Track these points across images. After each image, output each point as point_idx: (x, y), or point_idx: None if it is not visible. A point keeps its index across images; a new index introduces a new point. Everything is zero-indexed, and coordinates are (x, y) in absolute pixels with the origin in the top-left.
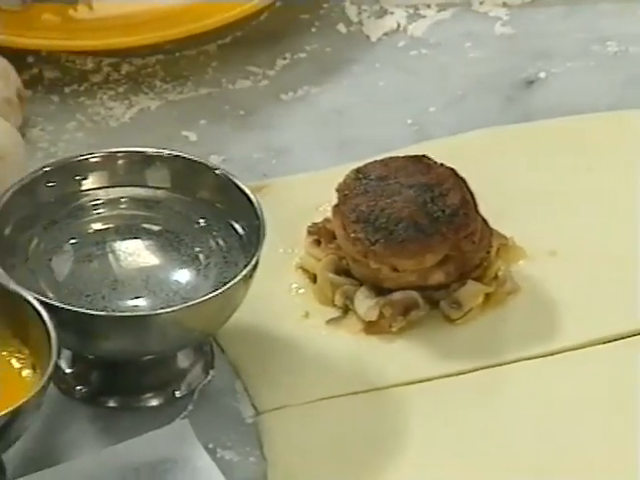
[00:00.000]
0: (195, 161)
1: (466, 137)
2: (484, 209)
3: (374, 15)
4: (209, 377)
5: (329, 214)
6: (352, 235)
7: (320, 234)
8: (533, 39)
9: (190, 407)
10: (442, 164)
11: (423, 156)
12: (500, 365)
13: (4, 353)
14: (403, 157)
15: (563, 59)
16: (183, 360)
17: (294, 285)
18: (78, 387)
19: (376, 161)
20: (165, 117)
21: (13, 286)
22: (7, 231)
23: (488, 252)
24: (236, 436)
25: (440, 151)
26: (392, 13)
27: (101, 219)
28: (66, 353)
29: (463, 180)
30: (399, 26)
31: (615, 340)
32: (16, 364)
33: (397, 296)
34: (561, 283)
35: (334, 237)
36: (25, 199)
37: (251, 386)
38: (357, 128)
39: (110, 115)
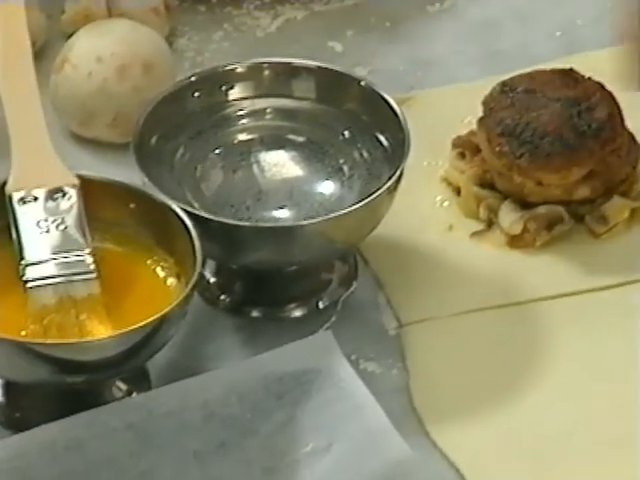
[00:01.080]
0: (341, 72)
1: (614, 50)
2: (631, 123)
3: None
4: (352, 289)
5: (474, 127)
6: (497, 148)
7: (465, 147)
8: None
9: (333, 318)
10: (589, 78)
11: (570, 69)
12: None
13: (149, 262)
14: (550, 70)
15: None
16: (327, 271)
17: (438, 198)
18: (222, 297)
19: (523, 74)
20: (311, 28)
21: (159, 195)
22: (153, 140)
23: (634, 167)
24: (379, 348)
25: (588, 64)
26: None
27: (246, 129)
28: (210, 263)
29: (610, 94)
30: None
31: None
32: (161, 273)
33: (542, 210)
34: None
35: (479, 150)
36: (171, 109)
37: (394, 298)
38: (504, 40)
39: (256, 25)
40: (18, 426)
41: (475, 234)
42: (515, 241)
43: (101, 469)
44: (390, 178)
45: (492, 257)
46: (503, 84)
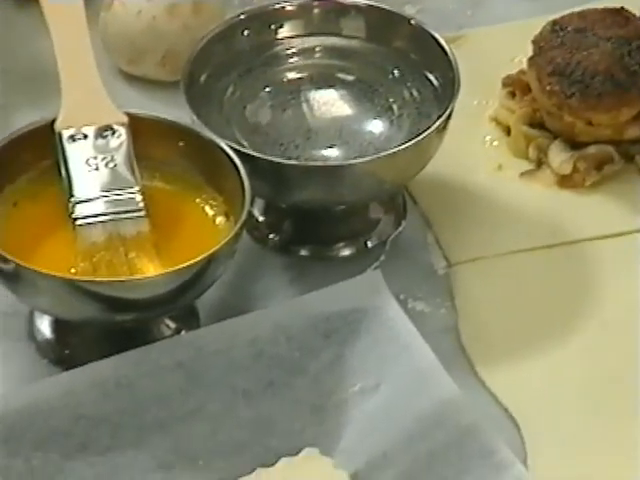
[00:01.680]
0: (390, 11)
1: None
2: None
3: None
4: (401, 228)
5: (524, 66)
6: (547, 88)
7: (515, 86)
8: None
9: (382, 258)
10: None
11: (622, 8)
12: None
13: (198, 200)
14: (601, 9)
15: None
16: (375, 211)
17: (488, 137)
18: (271, 235)
19: (573, 13)
20: None
21: (208, 134)
22: (203, 78)
23: None
24: (427, 287)
25: (638, 3)
26: None
27: (296, 68)
28: (259, 202)
29: None
30: None
31: None
32: (210, 211)
33: (592, 150)
34: None
35: (529, 89)
36: (221, 47)
37: (443, 238)
38: None
39: None
40: (67, 363)
41: (524, 174)
42: (565, 181)
43: (150, 406)
44: (439, 117)
45: (541, 197)
46: (554, 23)
